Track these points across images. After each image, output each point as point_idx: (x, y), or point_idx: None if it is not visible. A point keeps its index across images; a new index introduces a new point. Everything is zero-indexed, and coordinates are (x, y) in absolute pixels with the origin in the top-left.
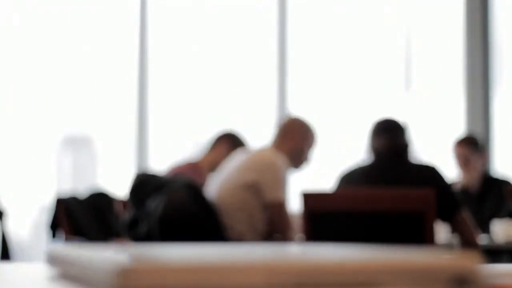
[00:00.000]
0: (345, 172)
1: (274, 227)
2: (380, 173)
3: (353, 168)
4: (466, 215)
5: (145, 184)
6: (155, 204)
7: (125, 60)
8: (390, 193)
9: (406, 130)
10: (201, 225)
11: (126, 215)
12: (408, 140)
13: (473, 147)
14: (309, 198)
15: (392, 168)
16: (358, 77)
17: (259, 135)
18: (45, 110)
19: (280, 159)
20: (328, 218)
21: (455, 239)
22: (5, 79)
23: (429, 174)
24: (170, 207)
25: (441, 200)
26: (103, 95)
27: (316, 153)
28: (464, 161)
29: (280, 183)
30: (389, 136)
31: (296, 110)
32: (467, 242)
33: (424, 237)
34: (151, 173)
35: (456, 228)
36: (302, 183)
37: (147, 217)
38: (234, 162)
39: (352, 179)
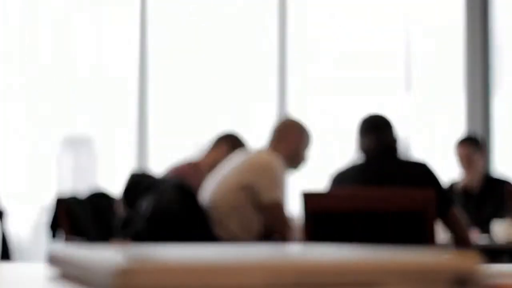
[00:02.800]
0: (337, 172)
1: (273, 227)
2: (372, 171)
3: (344, 168)
4: (458, 212)
5: (138, 184)
6: (146, 205)
7: (125, 60)
8: (390, 193)
9: (392, 126)
10: (188, 225)
11: (120, 215)
12: (396, 136)
13: (475, 147)
14: (309, 198)
15: (383, 167)
16: (358, 77)
17: (259, 136)
18: (45, 110)
19: (277, 160)
20: (328, 218)
21: (447, 235)
22: (5, 80)
23: (421, 171)
24: (158, 207)
25: None
26: (103, 95)
27: (317, 154)
28: (467, 161)
29: (276, 184)
30: (376, 135)
31: (296, 111)
32: (459, 238)
33: (424, 237)
34: (145, 173)
35: (447, 224)
36: (302, 183)
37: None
38: (231, 163)
39: (345, 179)
